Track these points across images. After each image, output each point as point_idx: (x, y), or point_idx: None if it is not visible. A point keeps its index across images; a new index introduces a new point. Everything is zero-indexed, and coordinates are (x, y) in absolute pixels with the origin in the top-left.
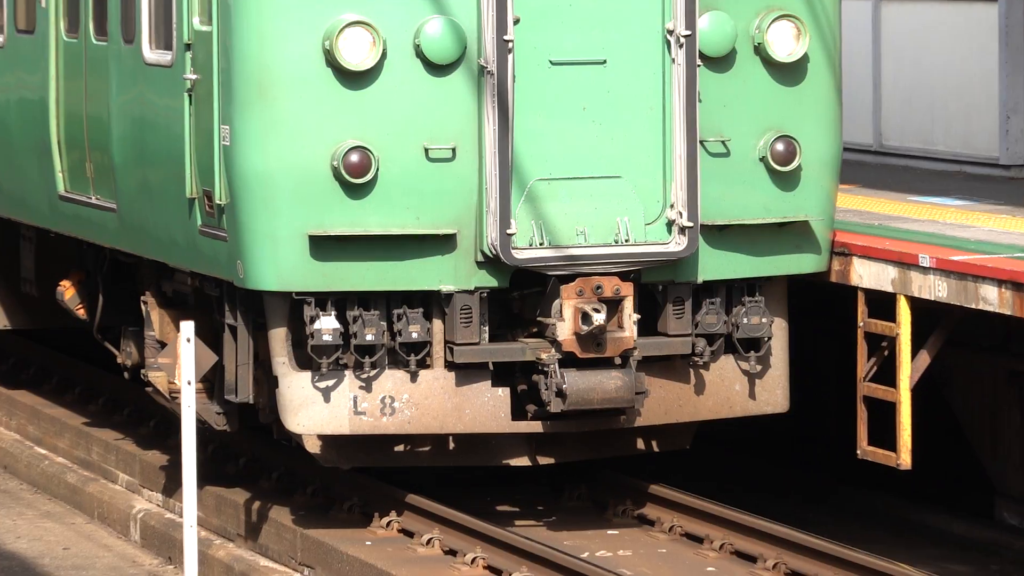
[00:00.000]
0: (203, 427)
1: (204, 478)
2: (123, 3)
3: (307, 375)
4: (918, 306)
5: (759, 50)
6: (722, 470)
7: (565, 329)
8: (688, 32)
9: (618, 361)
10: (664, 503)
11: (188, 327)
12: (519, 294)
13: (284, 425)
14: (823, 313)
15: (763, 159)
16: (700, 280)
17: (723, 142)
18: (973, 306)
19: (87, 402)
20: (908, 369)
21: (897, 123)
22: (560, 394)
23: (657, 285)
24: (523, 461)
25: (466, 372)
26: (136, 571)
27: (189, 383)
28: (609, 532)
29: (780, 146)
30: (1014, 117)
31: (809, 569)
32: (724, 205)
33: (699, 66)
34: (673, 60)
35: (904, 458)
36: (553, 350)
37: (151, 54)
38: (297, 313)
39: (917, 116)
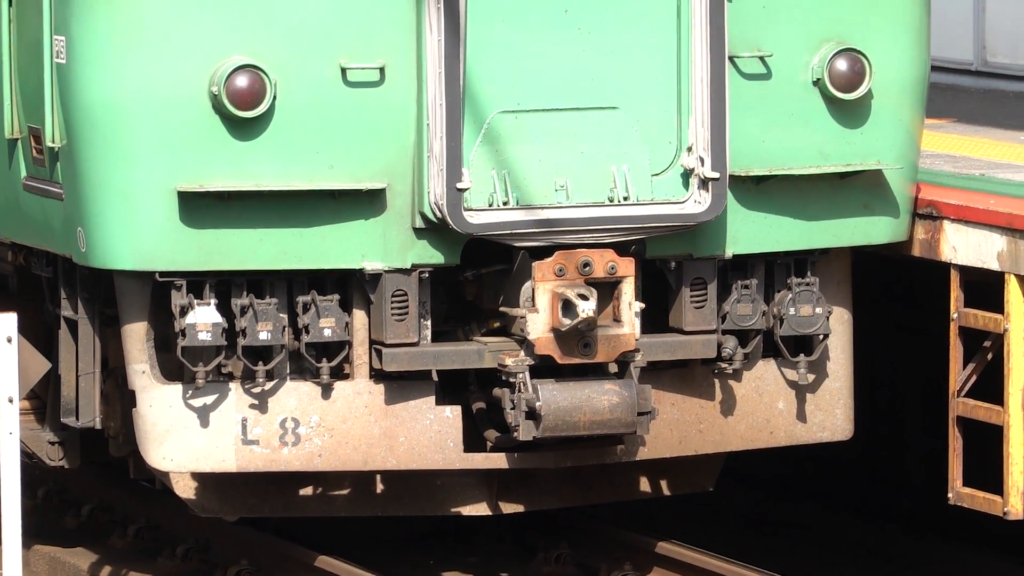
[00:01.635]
0: (31, 463)
1: (33, 534)
2: None
3: (176, 389)
4: None
5: None
6: (760, 519)
7: (539, 324)
8: None
9: (614, 369)
10: (678, 567)
11: (8, 321)
12: (474, 275)
13: (145, 460)
14: (901, 301)
15: (818, 82)
16: (729, 254)
17: (762, 58)
18: None
19: None
20: (1022, 380)
21: (1008, 33)
22: (532, 415)
23: (668, 262)
24: (481, 510)
25: (400, 385)
26: None
27: (11, 401)
28: None
29: (843, 64)
30: None
31: None
32: (763, 148)
33: None
34: None
35: (1015, 505)
36: (522, 353)
37: None
38: (162, 302)
39: None
